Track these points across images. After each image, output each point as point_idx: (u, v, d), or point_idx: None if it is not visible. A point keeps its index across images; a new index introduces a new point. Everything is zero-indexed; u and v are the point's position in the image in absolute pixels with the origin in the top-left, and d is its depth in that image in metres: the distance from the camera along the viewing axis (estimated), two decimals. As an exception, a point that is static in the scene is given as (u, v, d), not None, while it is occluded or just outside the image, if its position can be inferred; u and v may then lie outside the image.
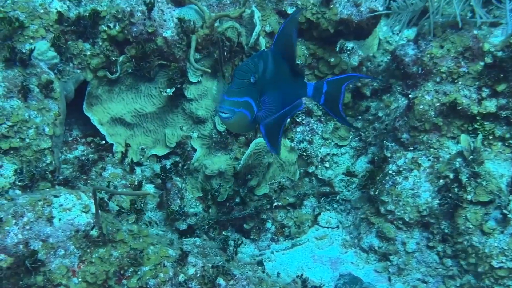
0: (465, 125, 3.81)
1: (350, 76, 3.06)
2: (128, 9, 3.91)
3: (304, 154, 4.20)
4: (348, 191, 4.27)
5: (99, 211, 2.90)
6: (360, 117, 4.44)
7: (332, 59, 4.30)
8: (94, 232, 2.88)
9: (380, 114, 4.25)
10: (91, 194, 3.02)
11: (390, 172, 3.92)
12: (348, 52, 4.51)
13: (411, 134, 3.90)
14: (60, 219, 2.89)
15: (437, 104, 3.82)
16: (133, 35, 3.94)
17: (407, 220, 3.82)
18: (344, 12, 4.14)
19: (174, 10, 4.05)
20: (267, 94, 2.71)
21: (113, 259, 2.91)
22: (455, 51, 3.86)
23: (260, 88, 2.66)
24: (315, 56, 4.31)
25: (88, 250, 2.89)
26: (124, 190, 3.83)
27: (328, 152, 4.30)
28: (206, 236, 3.70)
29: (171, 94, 4.01)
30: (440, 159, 3.82)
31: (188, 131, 4.14)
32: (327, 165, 4.30)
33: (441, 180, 3.75)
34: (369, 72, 4.48)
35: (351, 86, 4.39)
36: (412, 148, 3.92)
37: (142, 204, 3.73)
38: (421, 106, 3.84)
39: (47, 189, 3.25)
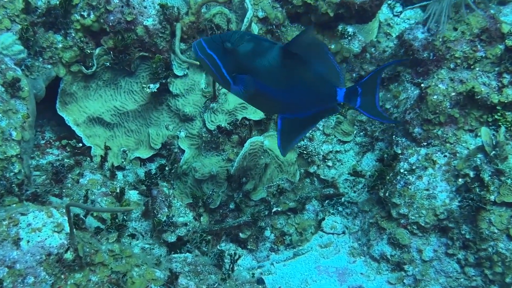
0: (484, 116, 3.45)
1: (382, 68, 2.75)
2: (104, -5, 3.50)
3: (305, 152, 3.81)
4: (354, 192, 3.87)
5: (74, 230, 2.49)
6: (364, 109, 4.04)
7: (333, 46, 3.90)
8: (69, 255, 2.49)
9: (387, 106, 3.85)
10: (64, 211, 2.61)
11: (401, 170, 3.53)
12: (349, 38, 4.10)
13: (424, 127, 3.51)
14: (28, 241, 2.50)
15: (453, 94, 3.44)
16: (110, 24, 3.54)
17: (422, 224, 3.42)
18: (345, -7, 3.75)
19: (155, -4, 3.63)
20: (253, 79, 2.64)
21: (91, 285, 2.52)
22: (470, 34, 3.52)
23: (238, 64, 2.61)
24: (314, 43, 3.90)
25: (62, 276, 2.49)
26: (103, 206, 3.40)
27: (331, 150, 3.91)
28: (198, 251, 3.30)
29: (155, 90, 3.60)
30: (458, 155, 3.45)
31: (175, 130, 3.74)
32: (330, 163, 3.90)
33: (459, 179, 3.36)
34: (374, 59, 4.06)
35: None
36: (425, 144, 3.53)
37: (125, 217, 3.31)
38: (435, 96, 3.45)
39: (13, 205, 2.84)
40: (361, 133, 4.00)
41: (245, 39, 2.58)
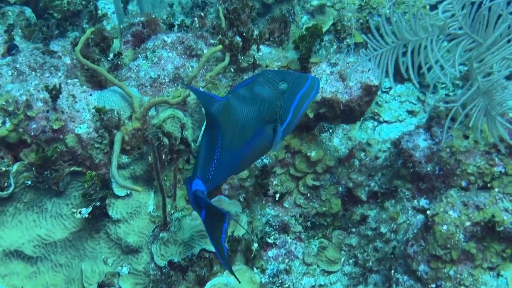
0: (507, 250, 2.71)
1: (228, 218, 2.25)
2: (23, 97, 2.82)
3: (280, 289, 3.03)
4: None
5: None
6: (354, 229, 3.28)
7: (313, 153, 3.16)
8: None
9: (383, 230, 3.10)
10: None
11: (405, 321, 2.76)
12: (330, 131, 3.38)
13: (432, 265, 2.76)
14: None
15: (467, 224, 2.71)
16: (32, 133, 2.82)
17: None
18: (327, 90, 3.07)
19: (91, 95, 2.94)
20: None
21: None
22: (485, 143, 2.79)
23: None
24: (290, 149, 3.17)
25: None
26: None
27: (313, 284, 3.15)
28: None
29: (87, 215, 2.83)
30: (476, 301, 2.69)
31: (115, 265, 2.98)
32: (312, 302, 3.13)
33: (482, 337, 2.60)
34: (364, 167, 3.30)
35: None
36: (434, 286, 2.77)
37: None
38: (445, 227, 2.71)
39: None
40: (351, 261, 3.24)
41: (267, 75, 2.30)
